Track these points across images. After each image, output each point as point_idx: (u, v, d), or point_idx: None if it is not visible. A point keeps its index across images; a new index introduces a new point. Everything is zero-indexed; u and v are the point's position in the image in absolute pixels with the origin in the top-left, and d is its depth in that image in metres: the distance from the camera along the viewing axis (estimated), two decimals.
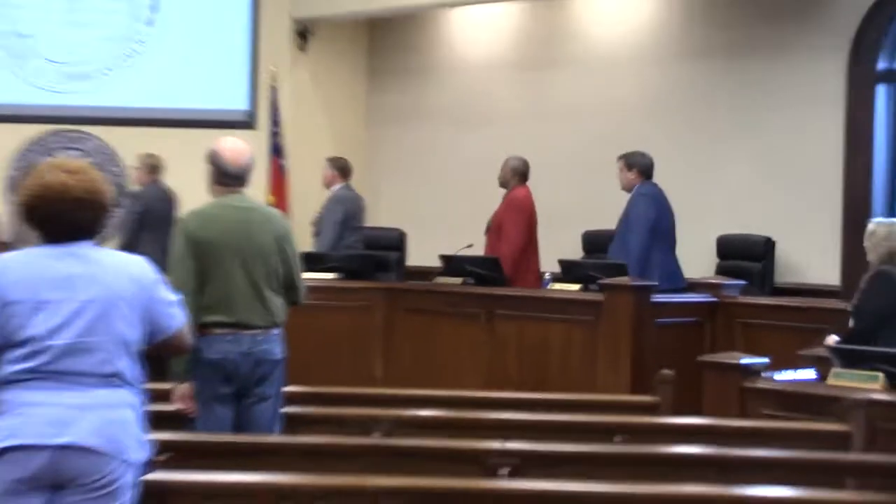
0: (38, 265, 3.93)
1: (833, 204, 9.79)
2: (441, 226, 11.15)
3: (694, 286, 8.78)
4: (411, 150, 12.70)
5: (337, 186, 10.62)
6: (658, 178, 8.89)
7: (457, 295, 9.04)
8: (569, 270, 8.76)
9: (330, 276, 9.42)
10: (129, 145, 11.54)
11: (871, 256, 6.78)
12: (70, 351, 3.83)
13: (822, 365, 6.41)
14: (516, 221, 9.52)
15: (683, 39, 10.82)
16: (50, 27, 12.44)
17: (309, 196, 11.46)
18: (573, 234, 10.37)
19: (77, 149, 12.05)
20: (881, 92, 9.70)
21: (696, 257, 9.68)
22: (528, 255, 9.53)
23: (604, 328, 7.85)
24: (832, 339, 6.65)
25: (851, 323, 6.76)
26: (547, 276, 9.31)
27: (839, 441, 5.29)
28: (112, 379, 3.90)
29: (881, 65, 9.67)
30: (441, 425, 5.57)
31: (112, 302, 3.91)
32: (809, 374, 6.41)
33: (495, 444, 4.84)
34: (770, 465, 4.75)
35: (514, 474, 4.57)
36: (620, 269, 8.16)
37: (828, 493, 4.32)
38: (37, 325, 3.83)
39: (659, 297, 7.99)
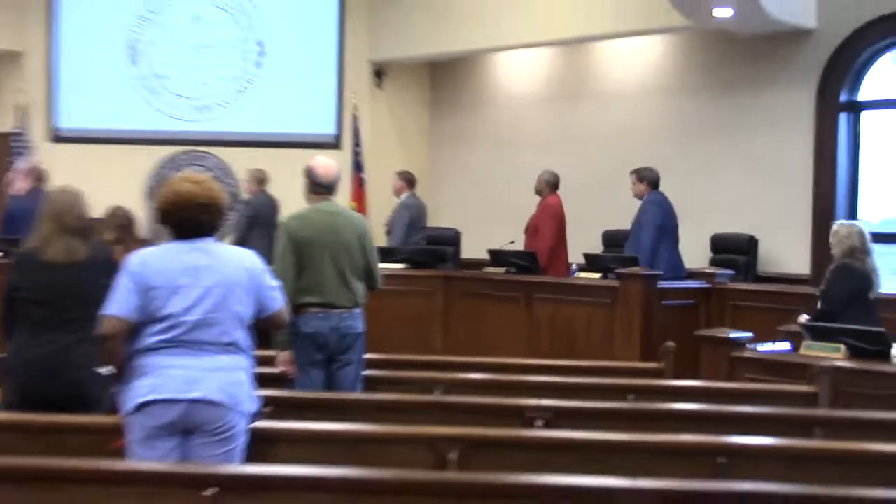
0: (172, 258, 4.01)
1: (804, 209, 9.72)
2: (489, 226, 11.13)
3: (692, 275, 8.76)
4: (465, 166, 12.67)
5: (405, 195, 10.63)
6: (663, 187, 8.88)
7: (501, 282, 9.06)
8: (592, 262, 8.78)
9: (400, 266, 9.46)
10: (241, 162, 11.59)
11: (835, 251, 6.75)
12: (198, 325, 3.92)
13: (796, 338, 6.43)
14: (549, 223, 9.52)
15: (683, 77, 10.76)
16: (180, 69, 12.51)
17: (383, 202, 11.47)
18: (595, 232, 10.34)
19: (200, 165, 12.12)
20: (843, 119, 9.62)
21: (694, 251, 9.62)
22: (559, 250, 9.53)
23: (619, 309, 7.87)
24: (803, 318, 6.62)
25: (819, 305, 6.73)
26: (574, 266, 9.33)
27: (809, 399, 5.31)
28: (230, 347, 3.98)
29: (843, 97, 9.59)
30: (488, 386, 5.60)
31: (229, 287, 3.98)
32: (785, 345, 6.41)
33: (532, 401, 4.88)
34: (753, 419, 4.77)
35: (547, 425, 4.61)
36: (633, 262, 8.17)
37: (799, 441, 4.32)
38: (173, 305, 3.92)
39: (664, 284, 8.00)
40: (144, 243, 5.72)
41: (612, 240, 10.06)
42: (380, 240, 9.28)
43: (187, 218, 4.05)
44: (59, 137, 12.49)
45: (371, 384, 5.67)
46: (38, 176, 10.68)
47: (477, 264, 10.20)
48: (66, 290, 4.68)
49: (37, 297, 4.70)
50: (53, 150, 12.28)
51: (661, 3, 9.36)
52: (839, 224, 7.06)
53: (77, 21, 12.53)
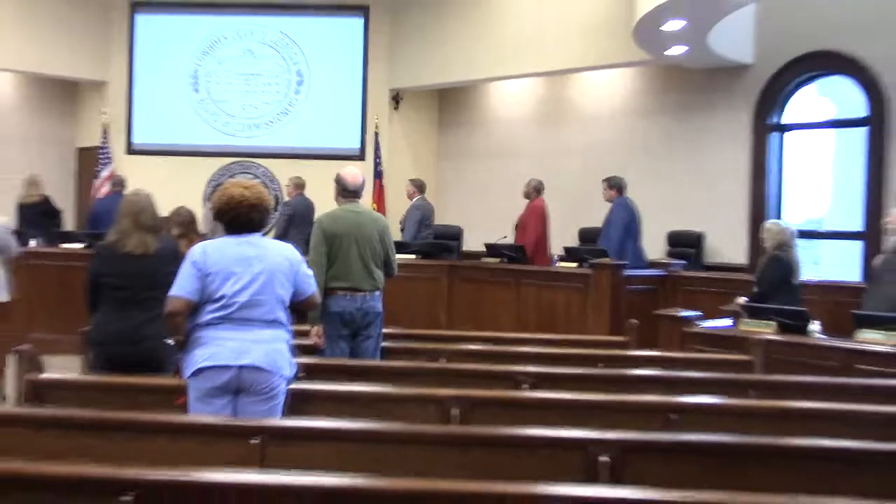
0: (226, 249, 4.01)
1: (742, 210, 9.74)
2: (485, 224, 11.14)
3: (652, 264, 8.77)
4: (466, 175, 12.69)
5: (416, 198, 10.62)
6: (629, 193, 8.86)
7: (495, 270, 9.05)
8: (570, 254, 8.77)
9: (412, 257, 9.45)
10: (283, 171, 11.59)
11: (767, 245, 6.77)
12: (247, 305, 3.92)
13: (736, 316, 6.43)
14: (535, 222, 9.51)
15: (645, 103, 10.77)
16: (233, 95, 12.52)
17: (398, 204, 11.49)
18: (573, 230, 10.35)
19: (249, 173, 12.13)
20: (773, 138, 9.66)
21: (654, 245, 9.63)
22: (543, 244, 9.52)
23: (592, 292, 7.86)
24: (741, 300, 6.63)
25: (754, 289, 6.73)
26: (555, 257, 9.32)
27: (745, 366, 5.31)
28: (273, 323, 3.98)
29: (773, 120, 9.62)
30: (484, 355, 5.61)
31: (273, 273, 3.99)
32: (727, 322, 6.43)
33: (520, 368, 4.89)
34: (700, 382, 4.77)
35: (532, 387, 4.63)
36: (604, 254, 8.17)
37: (737, 400, 4.33)
38: (226, 288, 3.92)
39: (629, 272, 7.99)
40: (203, 237, 5.74)
41: (587, 236, 10.06)
42: (395, 235, 9.29)
43: (238, 216, 4.06)
44: (134, 151, 12.51)
45: (388, 353, 5.68)
46: (117, 182, 10.71)
47: (475, 255, 10.20)
48: (140, 276, 4.69)
49: (116, 282, 4.72)
50: (130, 162, 12.30)
51: (626, 41, 9.37)
52: (770, 223, 7.09)
53: (150, 55, 12.55)
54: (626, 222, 8.62)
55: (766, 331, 5.93)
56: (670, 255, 9.72)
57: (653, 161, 10.49)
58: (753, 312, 6.24)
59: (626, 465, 3.26)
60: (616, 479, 3.22)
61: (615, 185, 8.81)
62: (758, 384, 4.83)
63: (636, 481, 3.09)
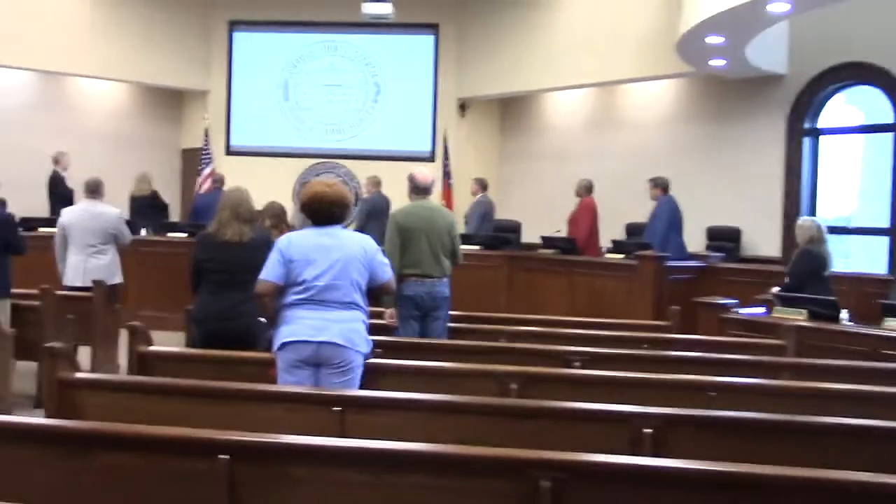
0: (309, 239, 4.05)
1: (777, 208, 9.59)
2: (542, 219, 11.06)
3: (693, 256, 8.65)
4: (525, 175, 12.63)
5: (479, 195, 10.63)
6: (672, 192, 8.70)
7: (550, 260, 9.01)
8: (617, 247, 8.70)
9: (475, 247, 9.42)
10: (362, 170, 11.64)
11: (799, 239, 6.60)
12: (326, 288, 3.95)
13: (769, 305, 6.29)
14: (586, 218, 9.40)
15: (687, 110, 10.64)
16: (319, 103, 12.66)
17: (464, 201, 11.49)
18: (620, 224, 10.24)
19: (332, 172, 12.22)
20: (806, 142, 9.49)
21: (695, 239, 9.51)
22: (593, 237, 9.43)
23: (637, 281, 7.79)
24: (775, 289, 6.48)
25: (786, 280, 6.57)
26: (604, 249, 9.24)
27: (779, 350, 5.19)
28: (350, 305, 4.00)
29: (806, 125, 9.44)
30: (539, 336, 5.56)
31: (349, 261, 4.01)
32: (761, 310, 6.29)
33: (572, 348, 4.85)
34: (737, 364, 4.69)
35: (583, 366, 4.57)
36: (648, 246, 8.07)
37: (771, 381, 4.23)
38: (308, 273, 3.96)
39: (671, 263, 7.87)
40: (292, 228, 5.79)
41: (633, 230, 9.95)
42: (461, 228, 9.29)
43: (321, 210, 4.09)
44: (232, 152, 12.71)
45: (454, 333, 5.67)
46: (217, 180, 10.88)
47: (532, 247, 10.17)
48: (236, 261, 4.72)
49: (215, 266, 4.77)
50: (228, 161, 12.50)
51: (671, 55, 9.24)
52: (802, 219, 6.91)
53: (246, 67, 12.74)
54: (669, 218, 8.48)
55: (797, 318, 5.79)
56: (709, 248, 9.60)
57: (695, 163, 10.33)
58: (786, 301, 6.10)
59: (667, 437, 3.20)
60: (657, 450, 3.17)
61: (660, 184, 8.68)
62: (790, 367, 4.72)
63: (676, 453, 3.04)
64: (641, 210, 9.20)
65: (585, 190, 9.57)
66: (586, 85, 11.36)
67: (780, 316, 5.96)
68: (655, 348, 5.23)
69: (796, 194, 9.45)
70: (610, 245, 8.98)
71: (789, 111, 9.50)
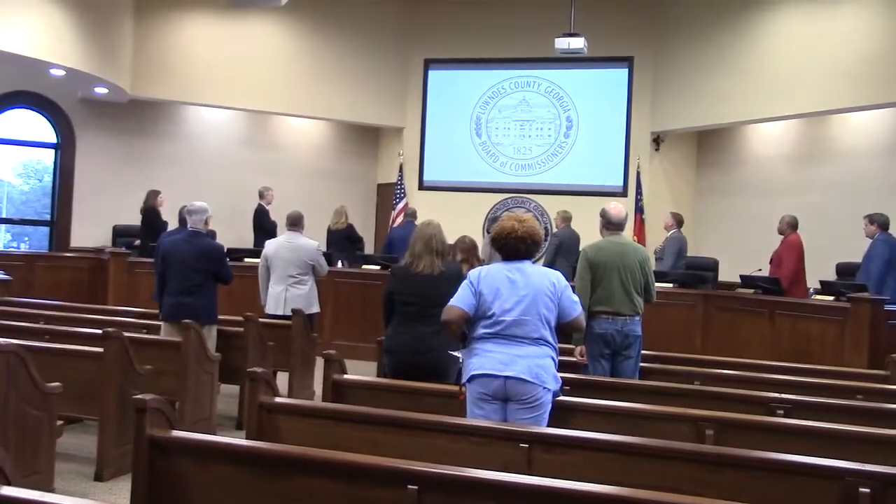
0: (498, 273, 4.08)
1: None
2: (740, 257, 10.65)
3: None
4: (723, 210, 12.21)
5: (673, 230, 10.39)
6: (891, 229, 8.12)
7: (750, 300, 8.61)
8: (826, 287, 8.17)
9: (669, 285, 9.18)
10: (553, 205, 11.70)
11: None
12: (514, 323, 3.97)
13: None
14: (792, 256, 8.98)
15: None
16: (510, 139, 12.84)
17: (655, 237, 11.27)
18: (829, 265, 9.63)
19: (523, 207, 12.33)
20: None
21: None
22: (800, 277, 8.97)
23: (850, 325, 7.24)
24: None
25: None
26: (811, 290, 8.73)
27: None
28: (538, 340, 3.99)
29: None
30: (738, 380, 5.36)
31: (538, 296, 4.00)
32: None
33: (774, 395, 4.61)
34: None
35: (786, 415, 4.33)
36: (863, 288, 7.53)
37: None
38: (497, 307, 3.99)
39: (890, 307, 7.27)
40: (482, 262, 5.87)
41: (845, 270, 9.34)
42: (653, 264, 9.08)
43: (511, 245, 4.13)
44: (425, 186, 13.09)
45: (645, 373, 5.55)
46: (410, 213, 11.22)
47: (729, 286, 9.79)
48: (427, 294, 4.82)
49: (407, 298, 4.89)
50: (421, 196, 12.89)
51: (888, 82, 8.63)
52: None
53: (440, 105, 13.12)
54: (886, 258, 7.92)
55: None
56: None
57: None
58: None
59: (886, 499, 2.94)
60: None
61: (877, 221, 8.14)
62: None
63: None
64: (853, 249, 8.63)
65: (788, 227, 9.13)
66: (791, 116, 10.82)
67: None
68: (871, 400, 4.84)
69: None
70: (818, 286, 8.46)
71: None
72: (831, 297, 7.83)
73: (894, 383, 5.48)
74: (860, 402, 4.75)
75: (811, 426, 3.90)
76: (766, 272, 9.32)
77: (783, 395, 4.56)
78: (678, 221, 10.42)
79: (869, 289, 7.55)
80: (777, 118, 11.01)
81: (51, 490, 4.22)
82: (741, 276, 9.18)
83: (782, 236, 9.20)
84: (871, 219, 8.20)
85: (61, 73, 10.05)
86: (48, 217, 12.12)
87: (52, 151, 12.01)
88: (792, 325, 7.90)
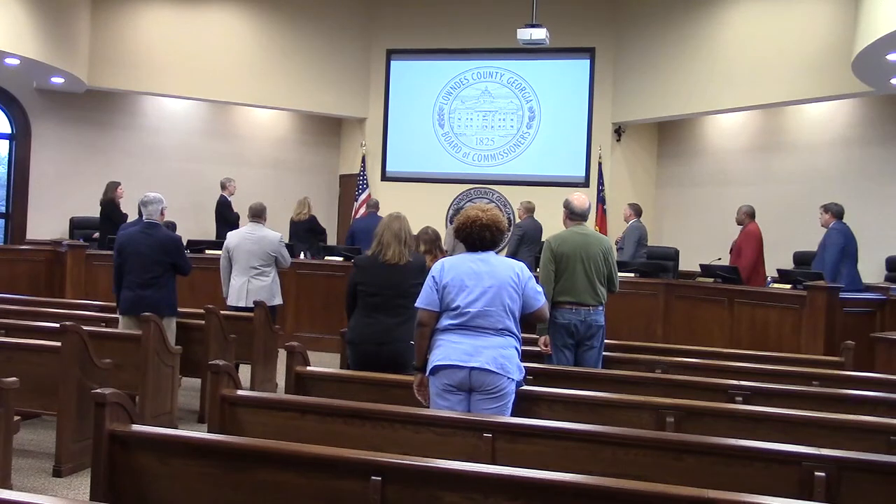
0: (462, 265, 4.08)
1: None
2: (699, 247, 10.78)
3: (869, 288, 8.14)
4: (682, 201, 12.34)
5: (633, 221, 10.46)
6: (846, 218, 8.25)
7: (710, 289, 8.70)
8: (784, 276, 8.28)
9: (630, 275, 9.26)
10: (516, 196, 11.72)
11: None
12: (478, 315, 3.97)
13: None
14: (751, 245, 9.10)
15: (863, 131, 10.09)
16: (473, 129, 12.83)
17: (617, 227, 11.35)
18: (786, 253, 9.78)
19: (486, 198, 12.34)
20: None
21: (871, 270, 8.99)
22: (758, 266, 9.09)
23: (806, 313, 7.36)
24: None
25: None
26: (769, 279, 8.86)
27: None
28: (502, 331, 4.00)
29: None
30: (698, 368, 5.42)
31: (502, 287, 4.01)
32: None
33: (734, 382, 4.67)
34: None
35: (745, 402, 4.39)
36: (819, 276, 7.64)
37: None
38: (461, 299, 3.99)
39: (845, 295, 7.41)
40: (445, 253, 5.87)
41: (801, 259, 9.51)
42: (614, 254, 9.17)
43: (475, 234, 4.13)
44: (388, 177, 13.05)
45: (608, 362, 5.59)
46: (372, 205, 11.18)
47: (690, 275, 9.91)
48: (391, 285, 4.82)
49: (370, 289, 4.87)
50: (383, 187, 12.84)
51: (845, 74, 8.77)
52: None
53: (402, 95, 13.07)
54: (842, 246, 8.04)
55: None
56: (889, 279, 9.02)
57: (870, 189, 9.77)
58: None
59: (841, 483, 3.00)
60: (831, 497, 2.97)
61: (832, 211, 8.25)
62: None
63: (851, 501, 2.84)
64: (809, 238, 8.77)
65: (746, 216, 9.26)
66: (751, 107, 10.96)
67: None
68: (827, 386, 4.93)
69: None
70: (775, 274, 8.58)
71: None
72: (789, 286, 7.94)
73: (849, 369, 5.58)
74: (816, 388, 4.83)
75: (769, 412, 3.96)
76: (725, 261, 9.44)
77: (742, 382, 4.63)
78: (636, 211, 10.51)
79: (824, 277, 7.67)
80: (736, 109, 11.14)
81: (8, 486, 4.15)
82: (701, 266, 9.28)
83: (741, 226, 9.32)
84: (827, 208, 8.31)
85: (16, 62, 9.85)
86: (3, 209, 11.90)
87: (7, 142, 11.79)
88: (751, 313, 8.02)
